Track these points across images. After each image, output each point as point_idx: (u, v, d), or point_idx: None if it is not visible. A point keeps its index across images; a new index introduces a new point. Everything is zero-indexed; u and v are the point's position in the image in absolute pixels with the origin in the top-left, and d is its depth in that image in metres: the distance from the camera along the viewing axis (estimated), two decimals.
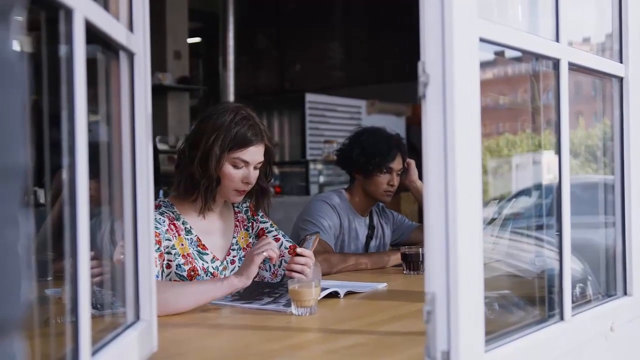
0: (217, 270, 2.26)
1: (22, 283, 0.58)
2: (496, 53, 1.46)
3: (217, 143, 2.15)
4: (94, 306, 1.23)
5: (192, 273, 2.18)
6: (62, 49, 1.01)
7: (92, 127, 1.09)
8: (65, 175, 1.01)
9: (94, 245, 1.08)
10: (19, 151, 0.59)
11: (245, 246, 2.37)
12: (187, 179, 2.20)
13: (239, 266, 2.30)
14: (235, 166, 2.19)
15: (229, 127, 2.16)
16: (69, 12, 0.99)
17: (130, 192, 1.36)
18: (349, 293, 2.18)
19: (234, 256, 2.34)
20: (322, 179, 7.51)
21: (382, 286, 2.34)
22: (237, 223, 2.39)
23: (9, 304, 0.57)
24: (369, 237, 3.13)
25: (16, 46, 0.60)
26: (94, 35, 1.11)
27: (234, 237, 2.36)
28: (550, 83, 1.60)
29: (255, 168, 2.23)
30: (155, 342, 1.42)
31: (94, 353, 1.09)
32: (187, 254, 2.19)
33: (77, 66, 1.01)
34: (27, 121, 0.61)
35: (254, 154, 2.21)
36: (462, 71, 1.16)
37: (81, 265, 1.01)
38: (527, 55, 1.59)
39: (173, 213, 2.22)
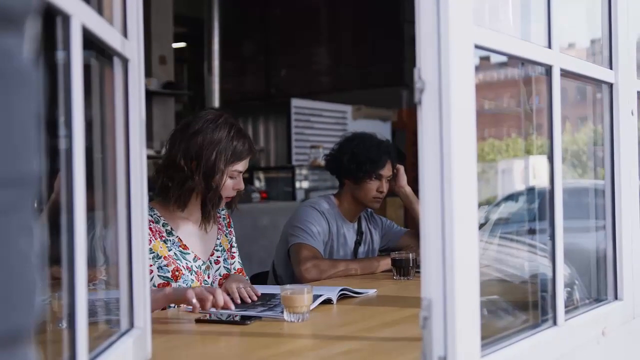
0: (200, 269, 2.32)
1: (35, 292, 0.58)
2: (481, 58, 1.47)
3: (221, 159, 2.24)
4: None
5: (177, 273, 2.23)
6: (59, 55, 1.01)
7: (85, 133, 1.08)
8: (62, 180, 1.00)
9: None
10: (33, 159, 0.59)
11: (226, 249, 2.45)
12: (188, 193, 2.26)
13: (224, 266, 2.41)
14: (232, 177, 2.30)
15: (228, 142, 2.25)
16: (66, 18, 0.98)
17: (125, 199, 1.35)
18: (342, 296, 2.19)
19: (217, 256, 2.41)
20: (308, 184, 7.50)
21: (372, 292, 2.34)
22: (220, 226, 2.47)
23: (25, 313, 0.57)
24: (358, 243, 3.13)
25: (30, 55, 0.60)
26: (89, 41, 1.10)
27: (218, 239, 2.43)
28: (537, 88, 1.62)
29: (243, 175, 2.35)
30: (149, 349, 1.41)
31: None
32: (169, 256, 2.24)
33: (74, 72, 1.00)
34: (40, 129, 0.61)
35: (247, 163, 2.34)
36: (458, 77, 1.17)
37: (78, 272, 1.01)
38: (514, 61, 1.60)
39: (152, 216, 2.25)
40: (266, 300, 2.12)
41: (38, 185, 0.60)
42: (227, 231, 2.50)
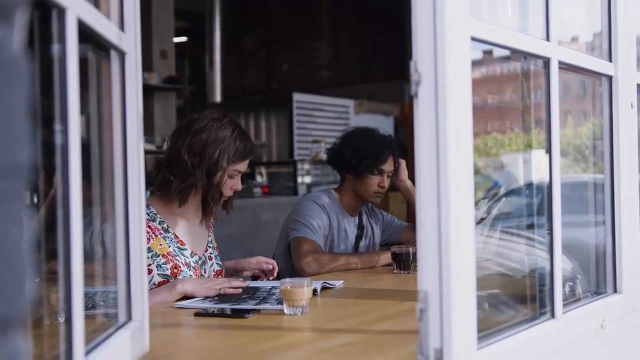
0: (197, 264, 2.35)
1: (26, 281, 0.59)
2: (484, 52, 1.47)
3: (224, 157, 2.27)
4: (85, 306, 1.23)
5: (175, 270, 2.26)
6: (54, 48, 1.01)
7: (81, 128, 1.08)
8: (57, 176, 1.01)
9: (83, 245, 1.07)
10: (24, 150, 0.59)
11: (215, 247, 2.50)
12: (189, 188, 2.28)
13: (216, 263, 2.45)
14: (231, 177, 2.32)
15: (231, 142, 2.29)
16: (61, 11, 0.98)
17: (122, 193, 1.35)
18: (324, 288, 2.25)
19: (210, 253, 2.45)
20: (310, 179, 7.50)
21: (339, 284, 2.37)
22: (210, 225, 2.50)
23: (15, 302, 0.57)
24: (359, 237, 3.13)
25: (19, 46, 0.60)
26: (85, 34, 1.10)
27: (209, 236, 2.47)
28: (538, 82, 1.61)
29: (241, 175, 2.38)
30: (147, 342, 1.42)
31: (87, 353, 1.09)
32: (167, 253, 2.26)
33: (69, 65, 1.00)
34: (31, 120, 0.61)
35: (247, 164, 2.37)
36: (454, 70, 1.17)
37: (74, 266, 1.01)
38: (516, 54, 1.60)
39: (148, 214, 2.26)
40: (252, 294, 2.13)
41: (29, 176, 0.61)
42: (213, 231, 2.54)
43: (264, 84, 10.30)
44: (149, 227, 2.24)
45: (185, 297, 2.10)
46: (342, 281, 2.42)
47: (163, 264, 2.23)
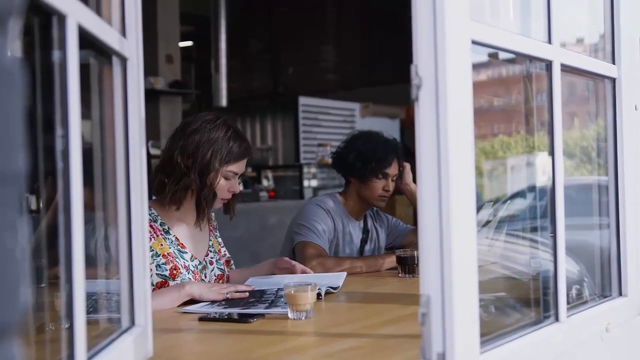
0: (197, 269, 2.35)
1: (20, 288, 0.59)
2: (490, 55, 1.47)
3: (216, 158, 2.26)
4: (88, 311, 1.23)
5: (175, 272, 2.26)
6: (55, 55, 1.01)
7: (84, 133, 1.09)
8: (59, 181, 1.01)
9: (87, 251, 1.08)
10: (18, 157, 0.60)
11: (217, 250, 2.49)
12: (183, 189, 2.28)
13: (217, 267, 2.45)
14: (226, 178, 2.32)
15: (224, 142, 2.28)
16: (62, 18, 0.99)
17: (124, 198, 1.36)
18: (328, 293, 2.23)
19: (211, 257, 2.45)
20: (316, 182, 7.49)
21: (342, 278, 2.38)
22: (211, 228, 2.51)
23: (9, 309, 0.57)
24: (364, 241, 3.13)
25: (14, 52, 0.60)
26: (86, 40, 1.11)
27: (210, 240, 2.47)
28: (543, 84, 1.61)
29: (239, 177, 2.37)
30: (150, 347, 1.42)
31: (90, 358, 1.09)
32: (168, 254, 2.27)
33: (70, 72, 1.00)
34: (25, 127, 0.61)
35: (243, 165, 2.36)
36: (454, 73, 1.17)
37: (75, 271, 1.01)
38: (521, 57, 1.59)
39: (150, 215, 2.27)
40: (259, 297, 2.13)
41: (25, 183, 0.61)
42: (216, 233, 2.54)
43: (270, 88, 10.29)
44: (150, 227, 2.24)
45: (191, 300, 2.10)
46: (345, 273, 2.43)
47: (163, 264, 2.23)
